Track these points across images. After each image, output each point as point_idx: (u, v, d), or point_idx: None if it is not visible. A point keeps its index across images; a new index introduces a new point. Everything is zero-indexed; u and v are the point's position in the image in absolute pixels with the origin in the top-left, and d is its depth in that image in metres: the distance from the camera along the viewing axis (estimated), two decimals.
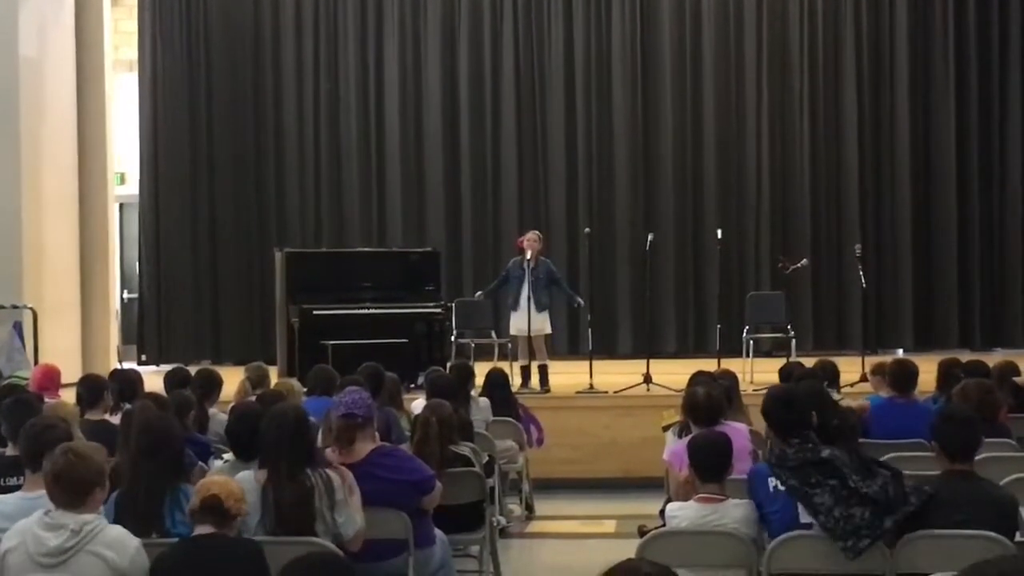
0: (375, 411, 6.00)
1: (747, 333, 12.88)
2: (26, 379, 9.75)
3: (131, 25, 15.89)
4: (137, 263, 15.99)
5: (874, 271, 14.73)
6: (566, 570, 8.24)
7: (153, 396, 7.27)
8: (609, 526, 9.53)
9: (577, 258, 15.23)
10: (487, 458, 7.62)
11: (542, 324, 11.88)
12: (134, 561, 4.33)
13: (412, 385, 10.96)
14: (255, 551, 4.45)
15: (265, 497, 5.03)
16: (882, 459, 5.51)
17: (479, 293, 12.83)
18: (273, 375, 9.99)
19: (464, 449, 7.00)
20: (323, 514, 5.05)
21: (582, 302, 12.51)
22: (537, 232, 12.21)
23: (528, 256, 11.77)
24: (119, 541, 4.34)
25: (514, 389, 10.49)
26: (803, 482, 4.96)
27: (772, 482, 5.10)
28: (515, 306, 11.82)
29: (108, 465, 4.72)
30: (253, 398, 7.69)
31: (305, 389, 8.50)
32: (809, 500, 4.93)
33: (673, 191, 15.60)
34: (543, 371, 11.82)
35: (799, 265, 13.31)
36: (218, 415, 7.71)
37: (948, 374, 8.28)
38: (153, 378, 9.75)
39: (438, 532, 6.06)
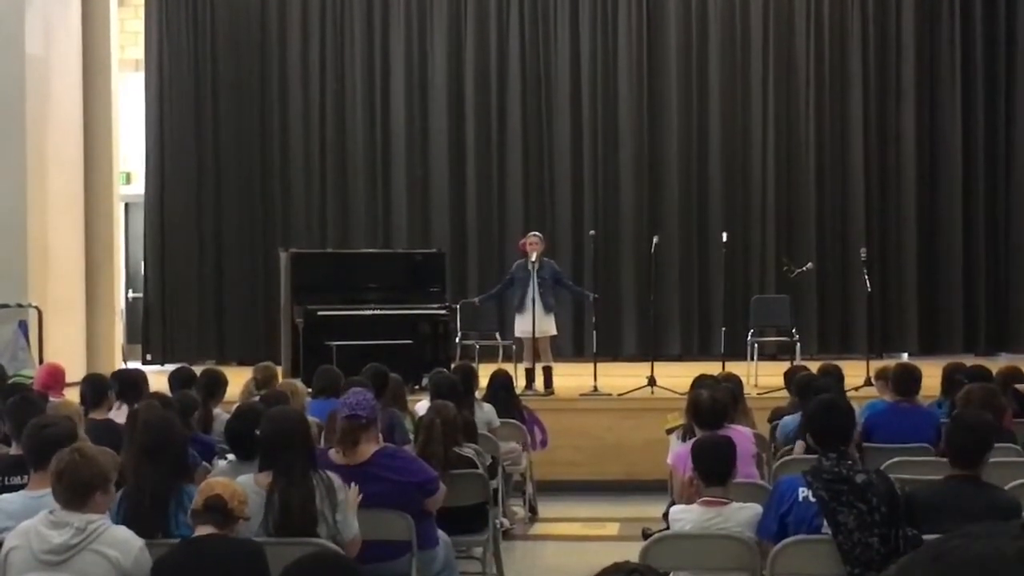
0: (379, 412, 6.01)
1: (751, 336, 12.87)
2: (31, 378, 9.77)
3: (137, 24, 15.91)
4: (142, 262, 16.00)
5: (879, 275, 14.71)
6: (569, 572, 8.23)
7: (159, 396, 7.27)
8: (612, 529, 9.53)
9: (582, 260, 15.22)
10: (491, 460, 7.61)
11: (548, 326, 11.88)
12: (138, 561, 4.33)
13: (416, 386, 10.96)
14: (256, 552, 4.45)
15: (270, 500, 5.01)
16: (885, 464, 5.50)
17: (476, 299, 12.81)
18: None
19: (468, 451, 7.00)
20: (325, 516, 5.05)
21: (594, 295, 12.49)
22: (538, 233, 12.21)
23: (533, 258, 11.77)
24: (123, 541, 4.34)
25: (518, 391, 10.48)
26: (832, 497, 4.87)
27: (803, 492, 4.97)
28: (521, 308, 11.81)
29: (115, 469, 4.72)
30: (257, 398, 7.70)
31: (310, 390, 8.51)
32: (833, 516, 4.84)
33: (678, 194, 15.60)
34: (548, 373, 11.82)
35: (804, 268, 13.29)
36: (222, 415, 7.70)
37: (952, 379, 8.27)
38: (158, 377, 9.76)
39: (441, 534, 6.06)
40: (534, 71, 15.77)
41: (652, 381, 11.51)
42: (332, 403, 6.74)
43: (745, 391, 8.73)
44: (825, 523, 4.87)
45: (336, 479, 5.18)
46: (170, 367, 11.07)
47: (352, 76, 15.89)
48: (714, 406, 6.59)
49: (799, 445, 6.73)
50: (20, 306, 12.65)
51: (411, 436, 7.32)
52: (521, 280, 11.86)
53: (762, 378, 11.88)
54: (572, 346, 15.06)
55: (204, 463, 6.29)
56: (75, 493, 4.33)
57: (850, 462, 5.04)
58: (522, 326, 11.83)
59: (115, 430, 6.59)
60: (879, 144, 15.64)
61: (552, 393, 11.75)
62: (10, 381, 9.07)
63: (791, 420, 7.59)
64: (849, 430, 5.28)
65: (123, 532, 4.41)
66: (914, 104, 15.51)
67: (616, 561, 2.69)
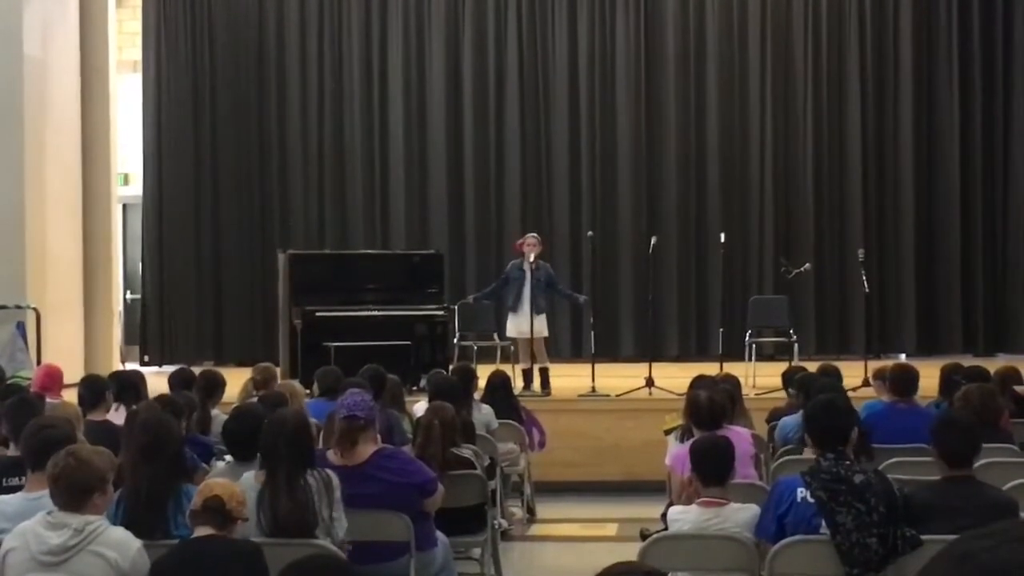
0: (377, 413, 6.01)
1: (749, 337, 12.87)
2: (29, 379, 9.75)
3: (135, 25, 15.91)
4: (140, 264, 16.00)
5: (877, 275, 14.72)
6: (567, 573, 8.24)
7: (163, 398, 7.25)
8: (611, 529, 9.53)
9: (580, 261, 15.24)
10: (489, 461, 7.61)
11: (540, 327, 11.89)
12: (136, 563, 4.32)
13: (414, 387, 10.96)
14: (254, 552, 4.45)
15: (261, 500, 5.04)
16: (883, 464, 5.49)
17: (471, 297, 12.84)
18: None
19: (466, 452, 6.99)
20: (322, 516, 5.06)
21: (585, 298, 12.54)
22: (536, 235, 12.22)
23: (531, 259, 11.78)
24: (121, 542, 4.34)
25: (516, 392, 10.48)
26: (831, 497, 4.87)
27: (801, 492, 4.97)
28: (515, 308, 11.82)
29: (112, 470, 4.72)
30: (255, 399, 7.70)
31: (307, 391, 8.51)
32: (832, 516, 4.84)
33: (676, 194, 15.60)
34: (544, 374, 11.83)
35: (802, 269, 13.30)
36: (221, 416, 7.70)
37: (950, 379, 8.28)
38: (155, 379, 9.75)
39: (440, 534, 6.06)
40: (532, 72, 15.78)
41: (650, 382, 11.52)
42: (333, 404, 6.73)
43: (743, 392, 8.73)
44: (823, 523, 4.87)
45: (334, 476, 5.20)
46: (168, 368, 11.09)
47: (350, 77, 15.89)
48: (712, 407, 6.58)
49: None
50: (18, 307, 12.64)
51: (409, 437, 7.32)
52: (516, 280, 11.88)
53: (760, 379, 11.88)
54: (570, 347, 15.08)
55: (203, 465, 6.28)
56: (72, 497, 4.33)
57: (848, 462, 5.04)
58: (516, 326, 11.85)
59: (113, 431, 6.58)
60: (877, 145, 15.65)
61: (549, 393, 11.76)
62: (8, 382, 9.06)
63: (790, 420, 7.59)
64: (847, 430, 5.28)
65: (121, 533, 4.41)
66: (912, 105, 15.52)
67: (621, 561, 2.67)
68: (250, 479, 5.16)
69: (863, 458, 5.86)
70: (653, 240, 12.52)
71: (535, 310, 11.71)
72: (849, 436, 5.28)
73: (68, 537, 4.25)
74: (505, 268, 12.44)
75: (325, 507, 5.08)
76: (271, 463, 5.14)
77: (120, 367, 13.29)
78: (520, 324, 11.75)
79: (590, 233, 13.36)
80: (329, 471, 5.22)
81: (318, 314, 11.99)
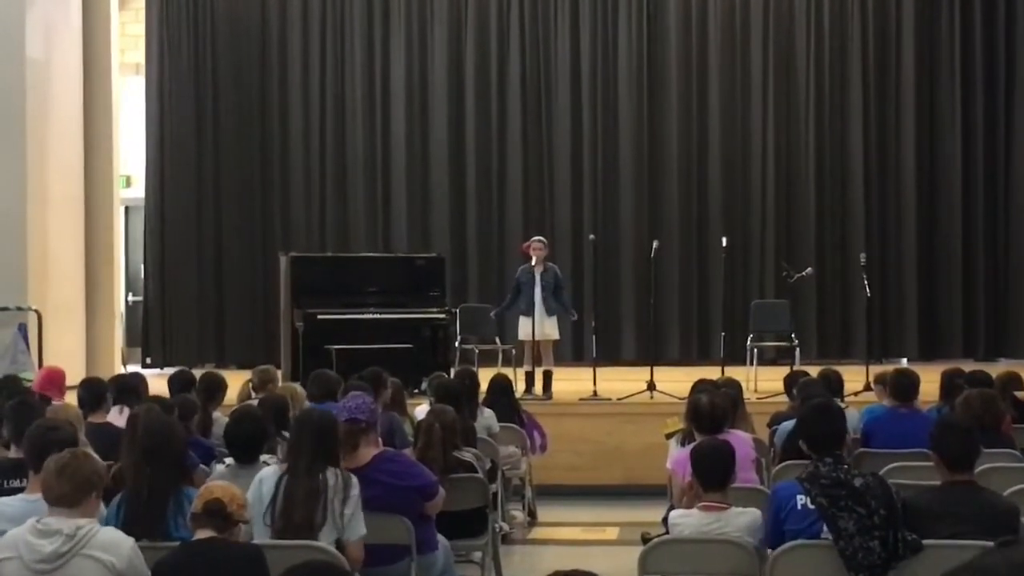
0: (378, 416, 6.02)
1: (751, 341, 12.87)
2: (30, 381, 9.75)
3: (138, 28, 15.92)
4: (142, 266, 16.00)
5: (879, 280, 14.72)
6: None
7: (166, 401, 7.25)
8: (612, 533, 9.52)
9: (582, 265, 15.23)
10: (490, 464, 7.61)
11: (551, 329, 11.90)
12: (131, 561, 4.31)
13: (416, 390, 10.96)
14: (255, 555, 4.45)
15: (277, 488, 5.11)
16: (884, 469, 5.48)
17: (493, 312, 12.79)
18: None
19: (467, 455, 6.99)
20: (334, 512, 5.09)
21: (575, 317, 12.54)
22: (543, 239, 12.21)
23: (534, 262, 11.79)
24: (113, 543, 4.32)
25: (517, 395, 10.47)
26: (831, 503, 4.85)
27: (801, 499, 4.96)
28: (527, 311, 11.81)
29: (108, 471, 4.72)
30: (255, 401, 7.70)
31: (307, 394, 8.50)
32: (834, 522, 4.82)
33: (678, 198, 15.61)
34: (547, 377, 11.82)
35: (804, 273, 13.29)
36: (221, 419, 7.70)
37: (950, 384, 8.27)
38: (157, 381, 9.76)
39: (440, 538, 6.06)
40: (534, 76, 15.78)
41: (651, 386, 11.53)
42: (330, 407, 6.73)
43: (744, 396, 8.72)
44: (823, 530, 4.86)
45: (354, 477, 5.26)
46: (170, 370, 11.07)
47: (352, 80, 15.90)
48: (713, 411, 6.58)
49: None
50: (20, 309, 12.65)
51: (411, 440, 7.32)
52: (526, 284, 11.90)
53: (761, 383, 11.88)
54: (572, 350, 15.05)
55: (202, 466, 6.28)
56: (77, 489, 4.31)
57: (846, 466, 5.03)
58: (526, 329, 11.83)
59: (114, 434, 6.58)
60: (879, 149, 15.65)
61: (550, 397, 11.75)
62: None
63: (790, 425, 7.57)
64: (843, 433, 5.29)
65: (111, 533, 4.38)
66: (913, 110, 15.53)
67: (558, 570, 2.75)
68: (272, 469, 5.28)
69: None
70: (655, 244, 12.52)
71: (547, 311, 11.75)
72: (844, 439, 5.28)
73: (60, 544, 4.23)
74: (515, 273, 12.38)
75: (339, 501, 5.11)
76: (294, 455, 5.24)
77: (121, 369, 13.31)
78: (527, 327, 11.75)
79: (592, 237, 13.34)
80: (350, 472, 5.27)
81: (319, 317, 11.99)
